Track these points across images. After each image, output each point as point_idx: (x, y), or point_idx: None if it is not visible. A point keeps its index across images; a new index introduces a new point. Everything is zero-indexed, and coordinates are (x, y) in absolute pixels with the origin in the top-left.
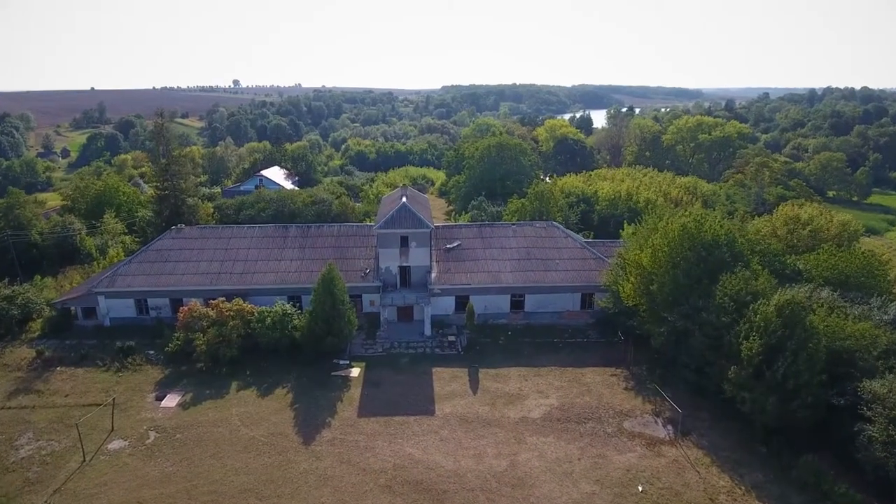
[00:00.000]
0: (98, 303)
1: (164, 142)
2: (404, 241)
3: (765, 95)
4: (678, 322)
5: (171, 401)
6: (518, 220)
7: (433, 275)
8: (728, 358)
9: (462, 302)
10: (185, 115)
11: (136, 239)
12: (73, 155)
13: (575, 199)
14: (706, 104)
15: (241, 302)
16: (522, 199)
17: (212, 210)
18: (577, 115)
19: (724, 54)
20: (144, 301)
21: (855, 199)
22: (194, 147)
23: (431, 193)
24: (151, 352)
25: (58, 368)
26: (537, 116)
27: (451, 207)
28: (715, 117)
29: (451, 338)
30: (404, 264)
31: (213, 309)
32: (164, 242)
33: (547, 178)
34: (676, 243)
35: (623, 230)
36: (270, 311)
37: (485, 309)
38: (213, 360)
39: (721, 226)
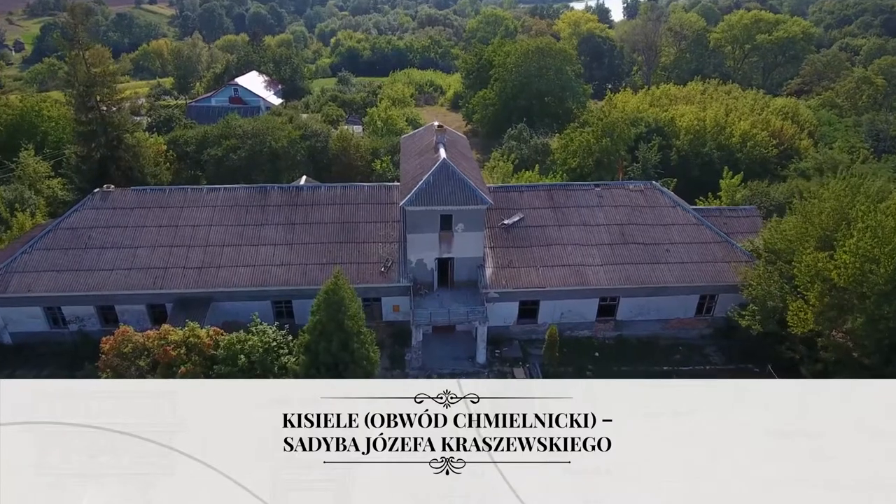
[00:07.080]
0: None
1: (83, 50)
2: (446, 223)
3: None
4: None
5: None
6: (580, 162)
7: (488, 271)
8: None
9: (528, 309)
10: (152, 1)
11: (67, 184)
12: (28, 48)
13: (645, 130)
14: None
15: (196, 329)
16: (584, 132)
17: (164, 147)
18: (592, 4)
19: None
20: (58, 309)
21: None
22: (163, 40)
23: (442, 105)
24: None
25: None
26: (550, 6)
27: (468, 126)
28: (775, 13)
29: (518, 372)
30: (445, 255)
31: (151, 341)
32: (82, 216)
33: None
34: None
35: (723, 180)
36: (244, 343)
37: (560, 317)
38: None
39: None
